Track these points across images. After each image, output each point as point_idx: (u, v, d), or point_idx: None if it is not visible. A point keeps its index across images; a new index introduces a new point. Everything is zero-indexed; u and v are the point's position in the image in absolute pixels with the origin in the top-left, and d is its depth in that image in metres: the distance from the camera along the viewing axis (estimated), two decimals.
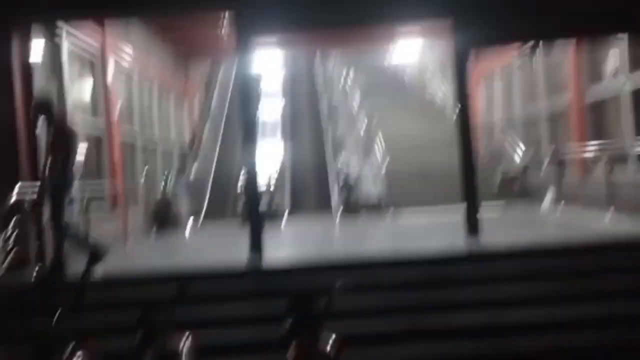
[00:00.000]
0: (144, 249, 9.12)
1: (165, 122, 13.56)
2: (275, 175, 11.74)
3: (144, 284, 5.72)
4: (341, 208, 11.88)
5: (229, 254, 7.22)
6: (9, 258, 6.07)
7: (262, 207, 10.85)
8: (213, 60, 17.33)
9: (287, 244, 8.71)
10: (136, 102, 11.54)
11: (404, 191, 12.58)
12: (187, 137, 14.97)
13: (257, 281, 5.76)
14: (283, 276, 5.75)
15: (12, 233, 6.06)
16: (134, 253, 8.49)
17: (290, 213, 12.82)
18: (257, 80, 18.31)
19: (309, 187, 13.95)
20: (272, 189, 11.34)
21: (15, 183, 6.48)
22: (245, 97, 6.98)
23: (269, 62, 18.63)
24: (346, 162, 12.19)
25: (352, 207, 11.51)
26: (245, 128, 6.86)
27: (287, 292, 5.32)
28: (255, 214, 6.74)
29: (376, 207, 11.62)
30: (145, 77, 12.13)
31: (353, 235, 9.37)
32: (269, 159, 13.54)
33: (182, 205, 11.97)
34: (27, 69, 7.04)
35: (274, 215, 11.28)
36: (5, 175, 6.84)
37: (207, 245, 9.60)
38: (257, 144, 7.00)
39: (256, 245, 6.59)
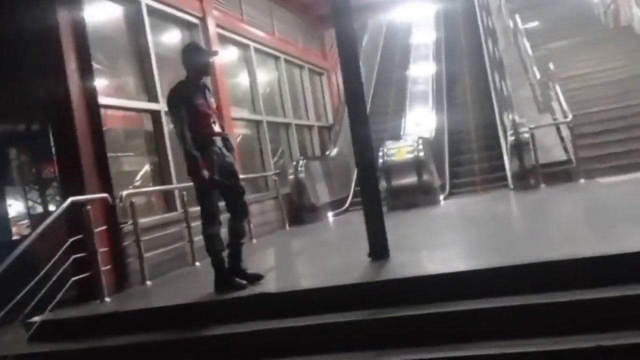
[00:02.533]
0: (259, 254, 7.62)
1: (299, 96, 12.06)
2: (424, 143, 9.38)
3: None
4: (514, 177, 9.22)
5: (351, 260, 5.17)
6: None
7: (404, 184, 8.96)
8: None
9: (440, 237, 5.97)
10: (260, 76, 10.14)
11: (600, 150, 9.47)
12: (328, 110, 13.34)
13: (374, 305, 3.76)
14: (417, 295, 3.68)
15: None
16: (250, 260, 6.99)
17: (450, 188, 10.50)
18: (405, 36, 16.17)
19: (474, 155, 11.42)
20: (421, 159, 9.06)
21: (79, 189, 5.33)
22: (348, 63, 4.89)
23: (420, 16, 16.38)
24: (518, 118, 9.36)
25: (528, 174, 8.80)
26: (349, 95, 4.86)
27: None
28: (372, 203, 4.67)
29: (561, 174, 8.75)
30: (268, 49, 10.67)
31: (533, 220, 6.59)
32: (420, 124, 11.31)
33: (320, 187, 10.32)
34: (81, 42, 5.66)
35: (426, 192, 9.09)
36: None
37: (336, 242, 7.74)
38: (366, 113, 4.88)
39: (377, 245, 4.58)
